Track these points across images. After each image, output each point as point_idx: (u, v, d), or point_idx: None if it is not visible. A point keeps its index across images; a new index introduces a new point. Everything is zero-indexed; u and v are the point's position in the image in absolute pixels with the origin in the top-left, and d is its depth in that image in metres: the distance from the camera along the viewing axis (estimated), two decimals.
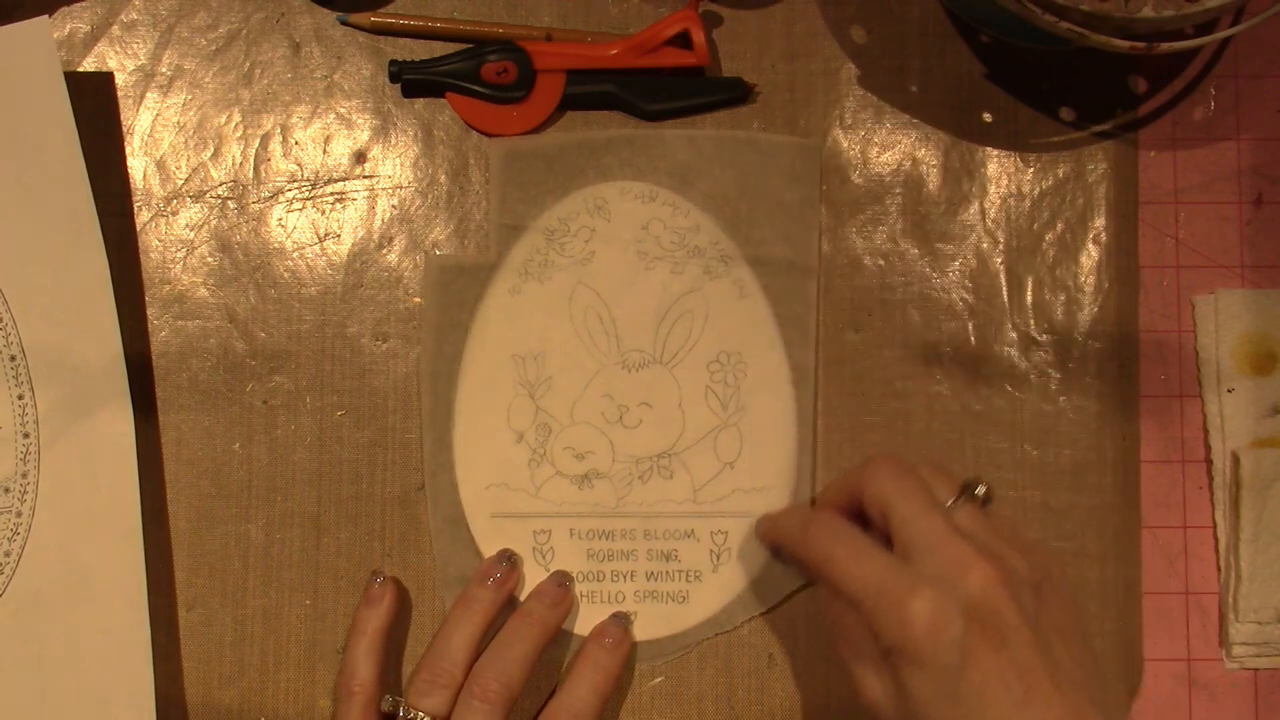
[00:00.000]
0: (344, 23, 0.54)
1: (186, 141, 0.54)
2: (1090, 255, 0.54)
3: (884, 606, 0.42)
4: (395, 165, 0.54)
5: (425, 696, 0.49)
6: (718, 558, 0.53)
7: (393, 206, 0.54)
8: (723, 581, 0.53)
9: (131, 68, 0.54)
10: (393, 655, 0.52)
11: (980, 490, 0.46)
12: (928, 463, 0.48)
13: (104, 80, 0.54)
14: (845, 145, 0.55)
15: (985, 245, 0.54)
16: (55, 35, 0.54)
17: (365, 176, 0.54)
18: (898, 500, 0.45)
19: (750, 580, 0.53)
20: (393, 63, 0.53)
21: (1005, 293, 0.54)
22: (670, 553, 0.53)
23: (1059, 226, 0.54)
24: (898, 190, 0.54)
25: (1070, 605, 0.45)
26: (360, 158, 0.54)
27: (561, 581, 0.52)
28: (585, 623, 0.52)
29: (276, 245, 0.54)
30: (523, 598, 0.52)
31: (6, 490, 0.50)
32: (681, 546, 0.53)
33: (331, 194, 0.54)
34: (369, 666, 0.50)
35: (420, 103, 0.54)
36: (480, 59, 0.53)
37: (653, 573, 0.53)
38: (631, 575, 0.53)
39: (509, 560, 0.52)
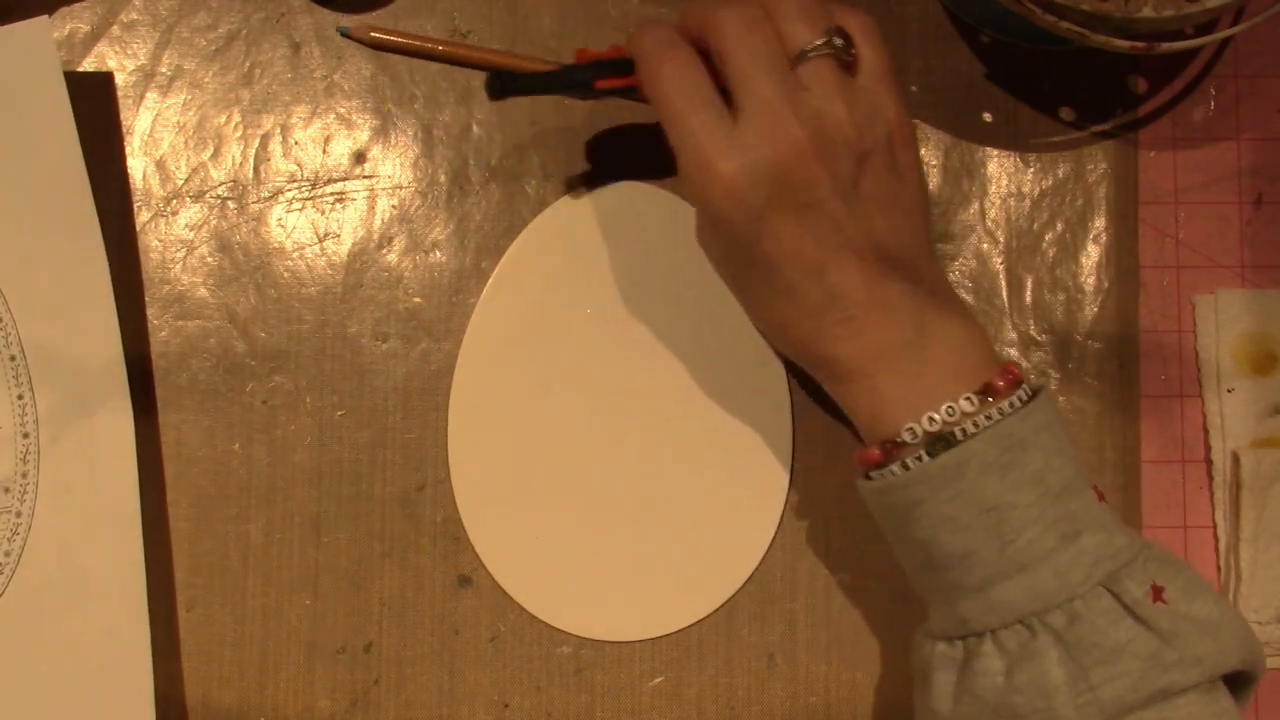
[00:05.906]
0: (344, 35, 0.54)
1: (186, 141, 0.54)
2: (1090, 255, 0.54)
3: (696, 165, 0.43)
4: (395, 165, 0.54)
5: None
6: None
7: (393, 206, 0.54)
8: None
9: (131, 68, 0.54)
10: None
11: (838, 41, 0.44)
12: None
13: (104, 80, 0.54)
14: None
15: (985, 245, 0.54)
16: (55, 35, 0.54)
17: (365, 176, 0.54)
18: (739, 52, 0.43)
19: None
20: (494, 75, 0.47)
21: (1005, 293, 0.54)
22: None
23: (1059, 226, 0.54)
24: None
25: (906, 174, 0.45)
26: (360, 158, 0.54)
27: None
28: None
29: (276, 245, 0.54)
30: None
31: (6, 490, 0.50)
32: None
33: (331, 194, 0.54)
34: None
35: (420, 103, 0.54)
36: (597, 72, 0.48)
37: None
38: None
39: None
